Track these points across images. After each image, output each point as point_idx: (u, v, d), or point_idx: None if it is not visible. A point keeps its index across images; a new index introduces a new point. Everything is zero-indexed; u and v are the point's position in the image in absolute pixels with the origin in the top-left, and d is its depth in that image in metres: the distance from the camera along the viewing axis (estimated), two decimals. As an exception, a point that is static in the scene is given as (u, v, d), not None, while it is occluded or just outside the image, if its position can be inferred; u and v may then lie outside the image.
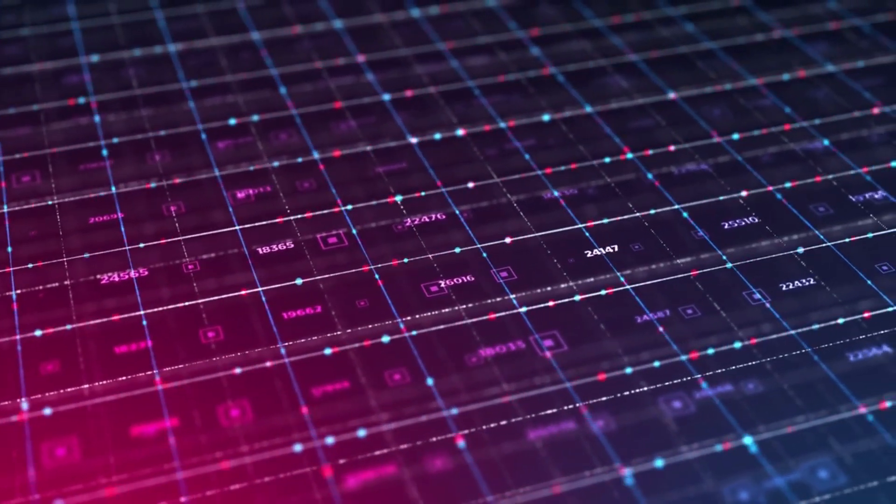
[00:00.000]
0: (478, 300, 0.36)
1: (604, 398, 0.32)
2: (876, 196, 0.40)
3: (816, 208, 0.40)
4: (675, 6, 0.52)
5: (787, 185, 0.41)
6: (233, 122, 0.44)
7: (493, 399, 0.32)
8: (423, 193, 0.40)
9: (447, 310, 0.35)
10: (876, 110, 0.45)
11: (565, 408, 0.32)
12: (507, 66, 0.48)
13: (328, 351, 0.34)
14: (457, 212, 0.39)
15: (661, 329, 0.35)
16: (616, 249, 0.38)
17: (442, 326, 0.35)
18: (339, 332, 0.35)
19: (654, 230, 0.39)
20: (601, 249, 0.38)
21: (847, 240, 0.38)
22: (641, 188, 0.41)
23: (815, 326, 0.35)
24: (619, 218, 0.39)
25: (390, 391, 0.33)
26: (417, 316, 0.35)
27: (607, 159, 0.42)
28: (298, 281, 0.37)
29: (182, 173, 0.41)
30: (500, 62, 0.48)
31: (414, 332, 0.35)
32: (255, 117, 0.44)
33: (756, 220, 0.39)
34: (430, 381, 0.33)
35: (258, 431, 0.31)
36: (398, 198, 0.39)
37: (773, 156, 0.42)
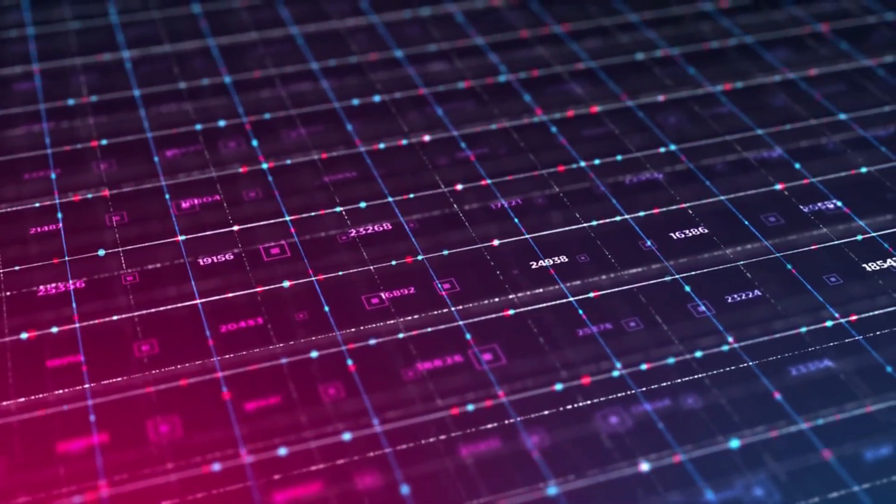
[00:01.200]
0: (418, 313, 0.35)
1: (539, 413, 0.32)
2: (829, 206, 0.40)
3: (767, 218, 0.39)
4: (637, 12, 0.51)
5: (740, 194, 0.40)
6: (182, 130, 0.43)
7: (427, 415, 0.32)
8: (365, 204, 0.39)
9: (386, 322, 0.35)
10: (834, 118, 0.44)
11: (499, 423, 0.31)
12: (463, 72, 0.47)
13: (263, 365, 0.33)
14: (403, 222, 0.39)
15: (602, 342, 0.34)
16: (562, 261, 0.37)
17: (380, 340, 0.34)
18: (275, 346, 0.34)
19: (601, 241, 0.38)
20: (547, 261, 0.37)
21: (796, 251, 0.38)
22: (592, 198, 0.40)
23: (759, 340, 0.34)
24: (566, 228, 0.39)
25: (324, 406, 0.32)
26: (356, 329, 0.35)
27: (558, 168, 0.42)
28: (237, 293, 0.36)
29: (127, 182, 0.41)
30: (456, 69, 0.48)
31: (352, 346, 0.34)
32: (202, 126, 0.44)
33: (705, 231, 0.39)
34: (364, 397, 0.32)
35: (187, 447, 0.31)
36: (343, 208, 0.39)
37: (728, 165, 0.42)
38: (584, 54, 0.48)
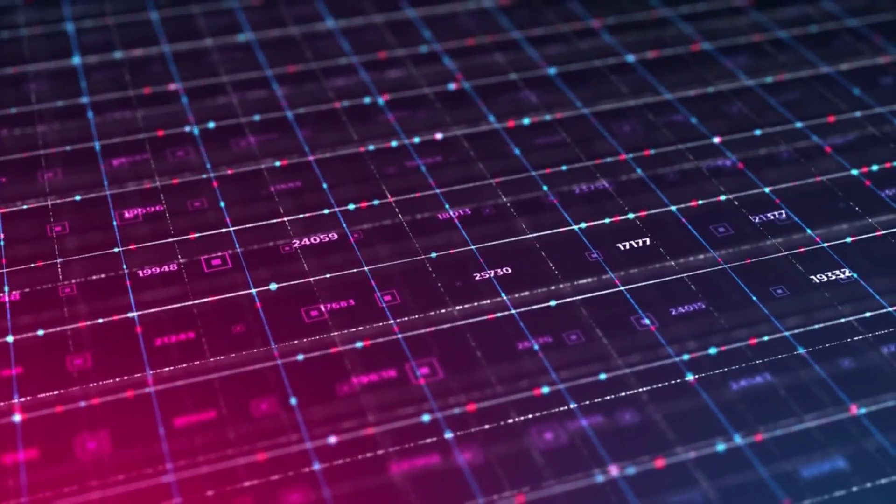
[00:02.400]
0: (357, 325, 0.35)
1: (473, 429, 0.31)
2: (779, 216, 0.39)
3: (717, 229, 0.39)
4: (596, 17, 0.51)
5: (690, 204, 0.40)
6: (130, 138, 0.43)
7: (359, 430, 0.31)
8: (310, 214, 0.39)
9: (324, 336, 0.34)
10: (790, 126, 0.44)
11: (432, 440, 0.31)
12: (417, 79, 0.47)
13: (196, 379, 0.33)
14: (347, 233, 0.38)
15: (541, 356, 0.34)
16: (506, 272, 0.37)
17: (316, 353, 0.34)
18: (209, 360, 0.34)
19: (547, 252, 0.38)
20: (490, 272, 0.37)
21: (744, 262, 0.37)
22: (541, 208, 0.40)
23: (700, 354, 0.34)
24: (512, 239, 0.38)
25: (255, 422, 0.32)
26: (293, 342, 0.34)
27: (507, 177, 0.41)
28: (176, 305, 0.36)
29: (72, 192, 0.40)
30: (410, 75, 0.47)
31: (287, 360, 0.34)
32: (149, 134, 0.43)
33: (653, 242, 0.38)
34: (297, 412, 0.32)
35: (114, 464, 0.30)
36: (287, 218, 0.38)
37: (680, 174, 0.42)
38: (540, 61, 0.48)
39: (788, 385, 0.32)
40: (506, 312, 0.35)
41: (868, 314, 0.35)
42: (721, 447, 0.30)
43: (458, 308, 0.35)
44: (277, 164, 0.41)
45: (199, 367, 0.33)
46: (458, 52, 0.49)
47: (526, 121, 0.44)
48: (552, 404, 0.32)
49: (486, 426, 0.31)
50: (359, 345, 0.34)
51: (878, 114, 0.44)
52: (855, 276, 0.37)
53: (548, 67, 0.48)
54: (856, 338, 0.34)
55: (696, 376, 0.33)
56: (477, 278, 0.37)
